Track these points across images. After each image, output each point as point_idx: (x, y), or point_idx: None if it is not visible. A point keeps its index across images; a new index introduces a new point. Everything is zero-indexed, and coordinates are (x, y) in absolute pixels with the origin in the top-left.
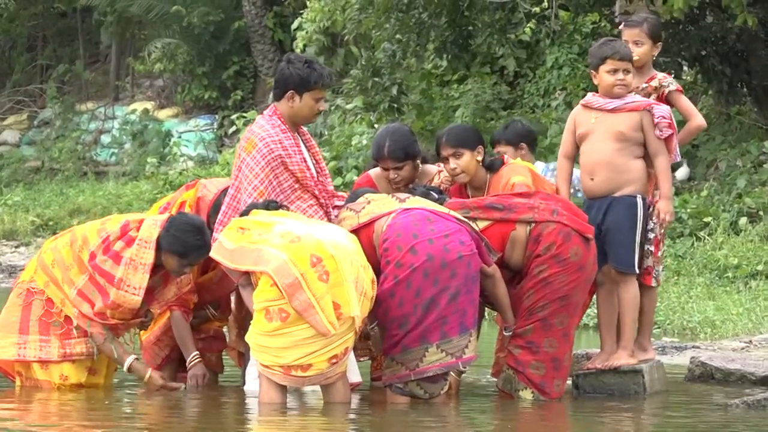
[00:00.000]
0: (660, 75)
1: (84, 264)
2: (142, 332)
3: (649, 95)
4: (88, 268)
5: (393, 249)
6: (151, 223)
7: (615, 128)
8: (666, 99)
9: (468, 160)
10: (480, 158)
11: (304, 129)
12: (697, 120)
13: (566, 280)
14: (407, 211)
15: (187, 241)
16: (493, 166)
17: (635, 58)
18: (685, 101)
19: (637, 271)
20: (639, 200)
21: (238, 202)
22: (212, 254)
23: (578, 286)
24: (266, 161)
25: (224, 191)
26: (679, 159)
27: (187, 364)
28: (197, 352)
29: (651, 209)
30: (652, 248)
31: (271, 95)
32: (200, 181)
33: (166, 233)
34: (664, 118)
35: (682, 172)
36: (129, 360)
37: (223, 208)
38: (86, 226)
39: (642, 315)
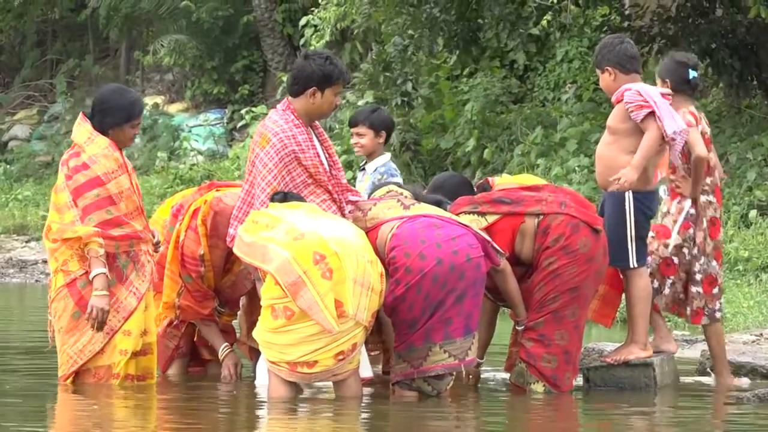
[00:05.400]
0: (682, 110)
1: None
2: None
3: None
4: (74, 205)
5: (400, 256)
6: (77, 128)
7: (608, 122)
8: None
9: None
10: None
11: (317, 123)
12: (696, 151)
13: (576, 271)
14: (412, 219)
15: (122, 104)
16: (484, 191)
17: None
18: (690, 135)
19: (635, 266)
20: (628, 196)
21: (252, 197)
22: (235, 250)
23: (588, 278)
24: (279, 156)
25: None
26: (675, 136)
27: (219, 356)
28: (227, 344)
29: (693, 234)
30: (700, 288)
31: (280, 90)
32: (214, 195)
33: (99, 116)
34: (630, 103)
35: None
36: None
37: (237, 203)
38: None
39: (711, 350)
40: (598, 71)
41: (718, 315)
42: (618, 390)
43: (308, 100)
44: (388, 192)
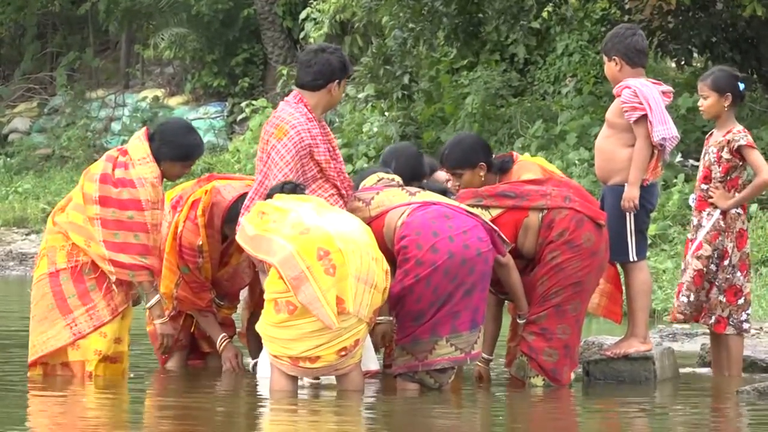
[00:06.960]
0: (735, 128)
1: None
2: (148, 321)
3: (722, 148)
4: (101, 206)
5: (412, 247)
6: (136, 142)
7: (607, 115)
8: (737, 152)
9: (468, 178)
10: (483, 173)
11: (322, 117)
12: (763, 175)
13: (579, 266)
14: (423, 208)
15: (185, 143)
16: (503, 167)
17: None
18: (754, 156)
19: (635, 259)
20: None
21: (265, 188)
22: (237, 239)
23: (591, 272)
24: (296, 149)
25: (239, 198)
26: (663, 143)
27: (217, 347)
28: (225, 334)
29: (719, 244)
30: (723, 297)
31: (280, 82)
32: (214, 185)
33: (158, 143)
34: (625, 102)
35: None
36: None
37: (249, 193)
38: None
39: (729, 361)
40: (604, 58)
41: (745, 326)
42: (618, 383)
43: (328, 94)
44: (379, 180)
